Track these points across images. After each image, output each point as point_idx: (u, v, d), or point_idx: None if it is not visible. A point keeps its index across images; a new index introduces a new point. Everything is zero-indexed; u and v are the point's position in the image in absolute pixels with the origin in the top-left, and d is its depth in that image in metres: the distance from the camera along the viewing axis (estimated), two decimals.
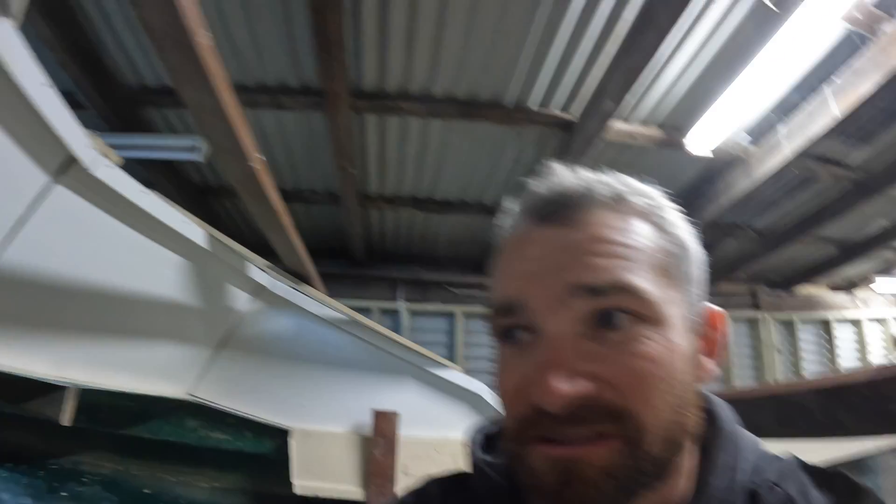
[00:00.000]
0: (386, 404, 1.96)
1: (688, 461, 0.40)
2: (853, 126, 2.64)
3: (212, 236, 1.61)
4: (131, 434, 1.89)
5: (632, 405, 0.33)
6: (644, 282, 0.35)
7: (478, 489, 0.46)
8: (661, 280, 0.36)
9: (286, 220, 1.46)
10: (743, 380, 4.30)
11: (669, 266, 0.37)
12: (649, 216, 0.38)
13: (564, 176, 0.39)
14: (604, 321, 0.34)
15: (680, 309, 0.37)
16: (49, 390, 1.21)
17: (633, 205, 0.38)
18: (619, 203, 0.38)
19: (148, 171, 2.53)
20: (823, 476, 0.42)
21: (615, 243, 0.35)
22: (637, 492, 0.35)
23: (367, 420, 1.92)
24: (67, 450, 1.89)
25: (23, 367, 1.17)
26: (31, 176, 0.99)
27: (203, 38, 0.79)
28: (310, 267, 1.80)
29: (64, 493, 1.81)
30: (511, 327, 0.37)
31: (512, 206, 0.42)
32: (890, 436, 0.76)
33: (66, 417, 1.11)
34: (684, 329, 0.37)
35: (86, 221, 1.18)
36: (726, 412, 0.43)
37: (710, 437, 0.41)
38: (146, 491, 1.87)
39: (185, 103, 0.97)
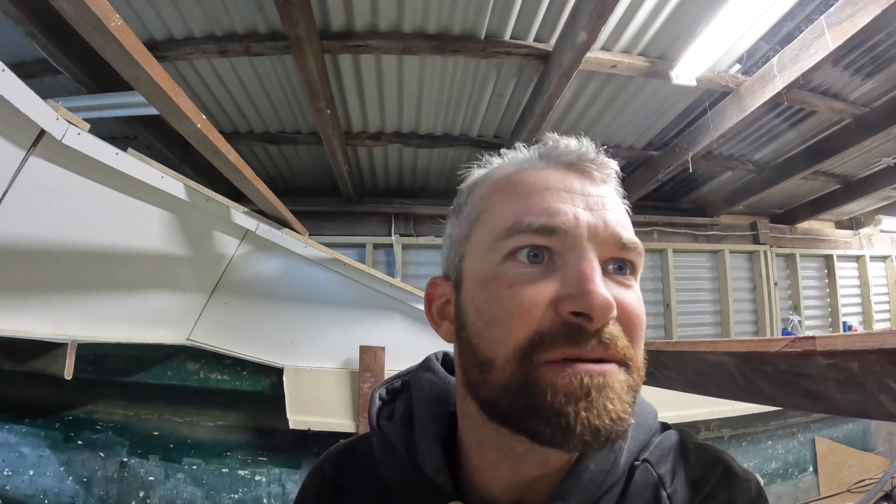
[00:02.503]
0: (373, 340, 2.03)
1: None
2: (854, 60, 2.53)
3: (191, 188, 1.67)
4: (137, 381, 1.97)
5: (634, 340, 0.38)
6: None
7: (377, 453, 0.49)
8: None
9: (248, 171, 1.53)
10: (741, 313, 4.40)
11: None
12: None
13: (580, 142, 0.44)
14: (616, 268, 0.39)
15: None
16: (51, 348, 1.29)
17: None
18: (616, 177, 0.45)
19: (132, 126, 2.57)
20: (701, 458, 0.45)
21: (625, 208, 0.43)
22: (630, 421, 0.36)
23: (355, 355, 2.00)
24: (80, 401, 2.01)
25: (23, 329, 1.24)
26: (7, 153, 1.08)
27: (117, 23, 0.84)
28: (286, 212, 1.90)
29: (80, 442, 1.96)
30: (539, 246, 0.38)
31: (518, 148, 0.47)
32: (811, 411, 0.69)
33: (67, 372, 1.23)
34: None
35: (67, 187, 1.26)
36: None
37: None
38: (155, 433, 1.99)
39: (123, 77, 1.03)
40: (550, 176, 0.42)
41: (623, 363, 0.36)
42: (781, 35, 2.32)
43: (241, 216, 1.87)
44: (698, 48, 2.24)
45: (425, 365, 0.54)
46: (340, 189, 3.64)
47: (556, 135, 0.45)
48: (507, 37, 2.23)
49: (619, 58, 2.36)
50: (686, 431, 0.48)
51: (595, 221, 0.39)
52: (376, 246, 3.87)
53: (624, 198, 0.45)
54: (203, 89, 2.52)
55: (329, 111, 2.41)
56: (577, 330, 0.35)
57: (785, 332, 4.42)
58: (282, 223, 1.98)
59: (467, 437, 0.45)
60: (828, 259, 4.74)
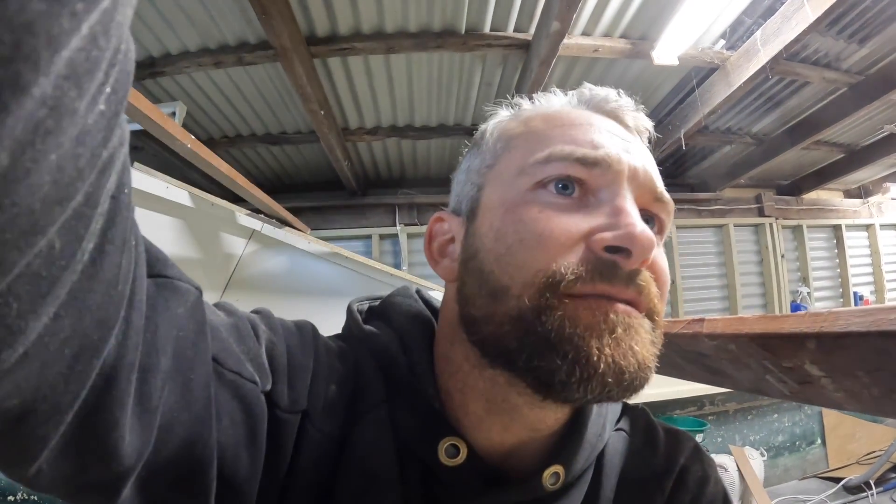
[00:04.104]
0: None
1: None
2: (846, 25, 2.52)
3: (195, 195, 1.82)
4: None
5: (661, 297, 0.35)
6: None
7: (369, 366, 0.41)
8: None
9: (241, 179, 1.66)
10: (748, 287, 4.36)
11: None
12: None
13: (618, 94, 0.43)
14: (644, 221, 0.35)
15: None
16: None
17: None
18: (649, 137, 0.43)
19: (138, 138, 2.72)
20: (670, 432, 0.46)
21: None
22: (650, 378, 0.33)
23: None
24: None
25: None
26: None
27: None
28: (285, 212, 2.03)
29: None
30: (573, 178, 0.35)
31: (555, 92, 0.45)
32: (724, 388, 0.68)
33: None
34: None
35: None
36: None
37: None
38: None
39: None
40: (592, 116, 0.40)
41: (650, 316, 0.34)
42: (763, 8, 2.33)
43: (245, 217, 2.01)
44: (677, 26, 2.27)
45: (402, 291, 0.48)
46: (344, 184, 3.77)
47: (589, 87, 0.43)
48: (486, 29, 2.29)
49: (600, 42, 2.40)
50: (644, 407, 0.49)
51: (635, 164, 0.36)
52: (382, 236, 3.98)
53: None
54: (204, 99, 2.66)
55: (322, 112, 2.53)
56: (611, 266, 0.32)
57: (794, 304, 4.40)
58: (282, 223, 2.12)
59: (448, 384, 0.39)
60: (836, 229, 4.64)
